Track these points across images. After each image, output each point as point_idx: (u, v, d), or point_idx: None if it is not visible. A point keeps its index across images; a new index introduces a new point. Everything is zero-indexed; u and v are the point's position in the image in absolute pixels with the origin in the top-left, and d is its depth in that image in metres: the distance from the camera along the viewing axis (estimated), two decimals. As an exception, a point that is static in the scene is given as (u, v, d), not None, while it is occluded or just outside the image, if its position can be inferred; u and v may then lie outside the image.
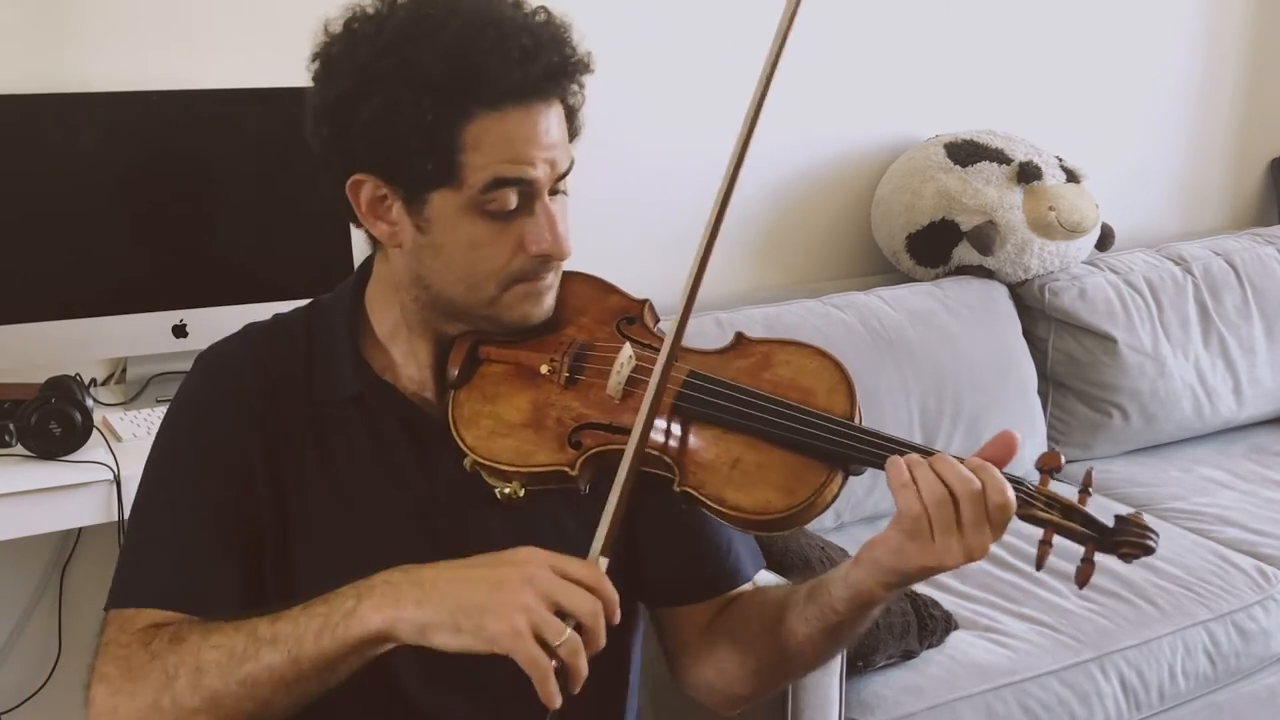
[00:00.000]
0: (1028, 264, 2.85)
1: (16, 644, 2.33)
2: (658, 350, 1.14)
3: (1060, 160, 2.93)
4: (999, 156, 2.85)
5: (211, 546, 1.17)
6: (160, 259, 2.18)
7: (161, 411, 1.67)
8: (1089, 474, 1.12)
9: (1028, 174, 2.82)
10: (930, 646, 2.08)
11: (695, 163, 2.27)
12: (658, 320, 1.25)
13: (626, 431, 1.10)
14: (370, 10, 1.14)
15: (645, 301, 1.26)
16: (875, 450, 1.10)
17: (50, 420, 1.89)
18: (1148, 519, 1.10)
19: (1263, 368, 3.09)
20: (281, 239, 2.23)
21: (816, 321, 2.56)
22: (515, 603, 0.99)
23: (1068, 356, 2.89)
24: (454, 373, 1.20)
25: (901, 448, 1.10)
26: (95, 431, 1.96)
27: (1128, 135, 3.38)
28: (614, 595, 1.02)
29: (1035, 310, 2.89)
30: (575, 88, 1.17)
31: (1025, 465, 1.16)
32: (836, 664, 1.89)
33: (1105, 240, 3.00)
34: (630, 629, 1.35)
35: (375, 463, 1.22)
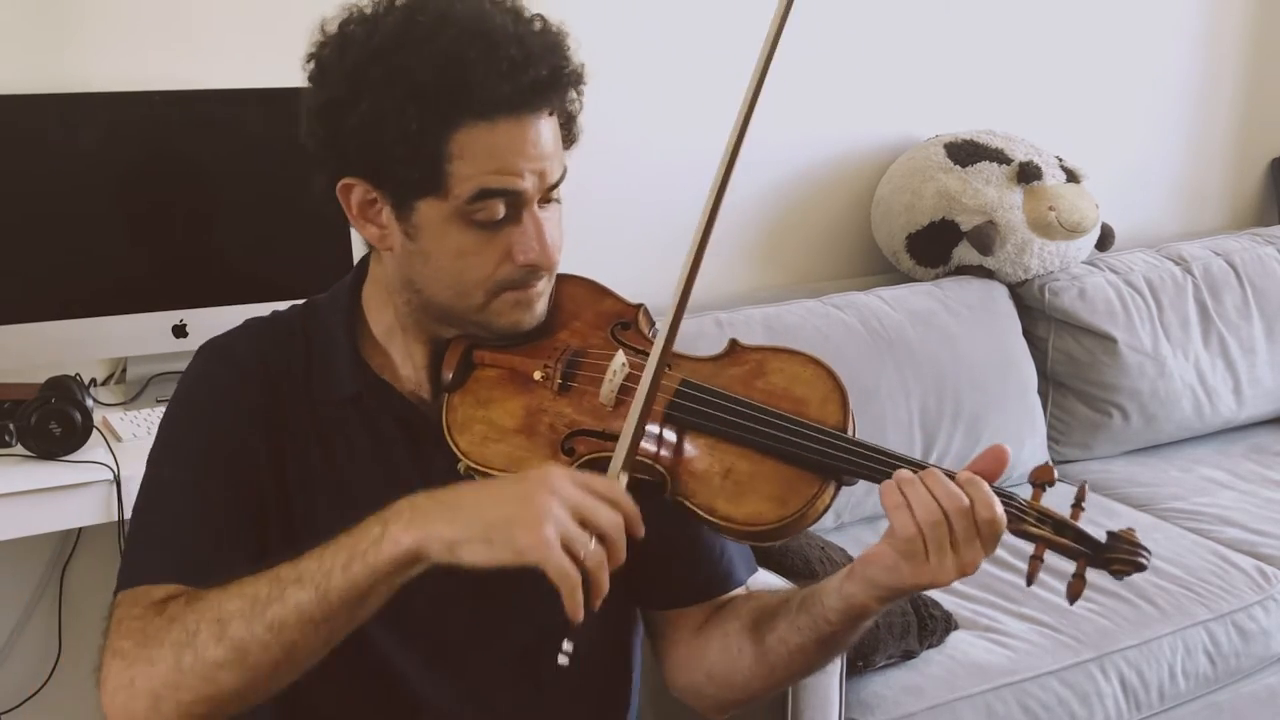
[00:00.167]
0: (1028, 264, 2.85)
1: (16, 644, 2.33)
2: None
3: (1060, 160, 2.93)
4: (999, 156, 2.85)
5: (220, 524, 1.17)
6: (160, 259, 2.19)
7: (162, 411, 1.67)
8: (1083, 488, 1.11)
9: (1028, 174, 2.82)
10: (930, 646, 2.08)
11: (692, 164, 2.27)
12: (653, 325, 1.25)
13: (618, 439, 1.10)
14: (366, 12, 1.14)
15: (640, 306, 1.25)
16: (867, 463, 1.10)
17: (50, 420, 1.89)
18: (1143, 523, 1.10)
19: (1263, 368, 3.09)
20: (281, 239, 2.23)
21: (816, 321, 2.56)
22: (544, 514, 0.99)
23: (1068, 356, 2.89)
24: (448, 376, 1.20)
25: (893, 460, 1.10)
26: (95, 431, 1.96)
27: (1128, 135, 3.38)
28: (635, 509, 1.04)
29: (1035, 310, 2.89)
30: (572, 94, 1.16)
31: (1024, 467, 1.16)
32: (836, 664, 1.89)
33: (1105, 240, 3.00)
34: (630, 629, 1.36)
35: (375, 462, 1.22)
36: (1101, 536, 1.08)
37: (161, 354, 2.18)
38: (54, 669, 2.32)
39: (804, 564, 2.05)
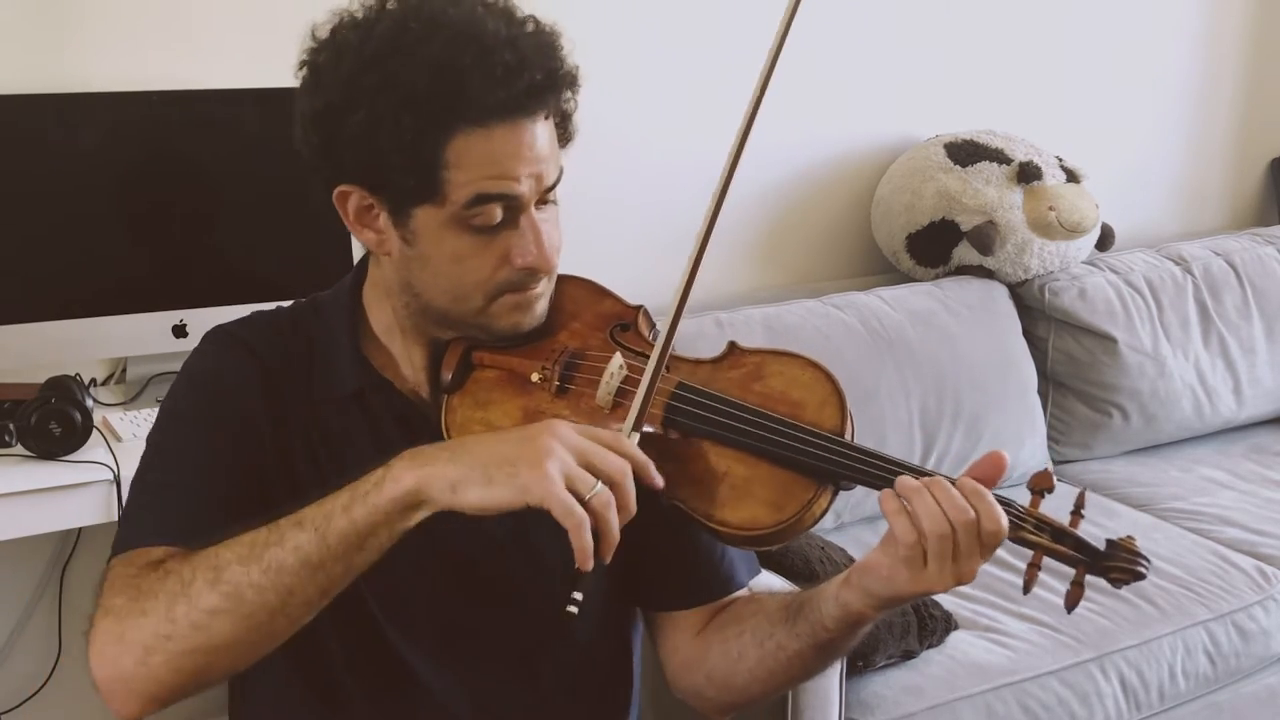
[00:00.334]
0: (1028, 264, 2.85)
1: (16, 644, 2.33)
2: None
3: (1060, 160, 2.93)
4: (999, 156, 2.85)
5: (221, 492, 1.16)
6: (160, 259, 2.19)
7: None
8: (1082, 495, 1.11)
9: (1028, 174, 2.82)
10: (930, 646, 2.08)
11: (692, 165, 2.27)
12: (653, 327, 1.24)
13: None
14: (358, 16, 1.13)
15: (640, 308, 1.25)
16: (864, 468, 1.10)
17: (50, 420, 1.89)
18: (1143, 523, 1.09)
19: (1263, 368, 3.09)
20: (281, 239, 2.23)
21: (816, 321, 2.56)
22: (546, 452, 0.99)
23: (1068, 356, 2.89)
24: (447, 377, 1.20)
25: (890, 465, 1.09)
26: (95, 431, 1.96)
27: (1128, 135, 3.38)
28: (645, 459, 1.04)
29: (1035, 310, 2.89)
30: (567, 95, 1.16)
31: (1025, 466, 1.16)
32: (836, 664, 1.89)
33: (1105, 240, 3.00)
34: (631, 628, 1.36)
35: (374, 459, 1.22)
36: (1100, 545, 1.08)
37: (161, 354, 2.18)
38: (54, 669, 2.32)
39: (804, 564, 2.05)
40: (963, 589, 2.27)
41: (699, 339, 2.24)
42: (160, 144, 2.15)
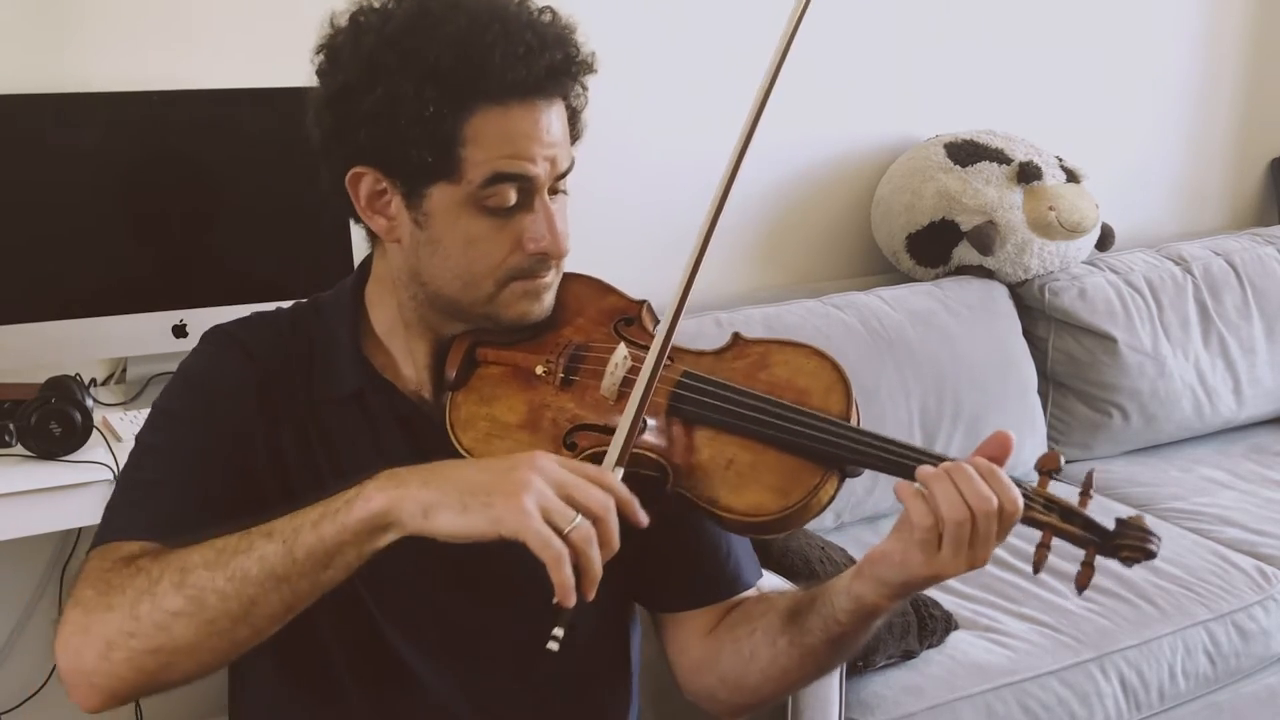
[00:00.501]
0: (1028, 264, 2.85)
1: (16, 644, 2.33)
2: None
3: (1060, 160, 2.93)
4: (999, 156, 2.85)
5: (205, 494, 1.16)
6: (160, 259, 2.18)
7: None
8: (1090, 476, 1.11)
9: (1028, 174, 2.82)
10: (930, 646, 2.08)
11: (695, 164, 2.27)
12: (656, 321, 1.24)
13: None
14: (376, 3, 1.15)
15: (643, 302, 1.25)
16: (871, 452, 1.09)
17: (50, 420, 1.89)
18: (1149, 521, 1.09)
19: (1263, 368, 3.09)
20: (281, 239, 2.23)
21: (816, 321, 2.56)
22: (524, 483, 0.97)
23: (1068, 356, 2.89)
24: (451, 375, 1.20)
25: (898, 449, 1.09)
26: (95, 431, 1.96)
27: (1128, 135, 3.38)
28: (629, 495, 1.02)
29: (1035, 310, 2.89)
30: (578, 88, 1.17)
31: (1024, 467, 1.15)
32: (845, 661, 1.89)
33: (1105, 240, 3.00)
34: (629, 629, 1.36)
35: (375, 460, 1.22)
36: (1110, 524, 1.07)
37: (161, 354, 2.18)
38: (54, 669, 2.31)
39: (804, 564, 2.05)
40: (963, 589, 2.29)
41: (699, 339, 2.22)
42: (160, 144, 2.15)
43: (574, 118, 1.19)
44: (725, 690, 1.28)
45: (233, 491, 1.17)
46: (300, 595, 1.03)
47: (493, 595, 1.23)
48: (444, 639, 1.23)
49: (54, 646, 1.06)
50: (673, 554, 1.28)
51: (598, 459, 1.10)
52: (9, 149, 2.05)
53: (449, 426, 1.17)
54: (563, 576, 0.96)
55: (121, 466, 1.22)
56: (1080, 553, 1.08)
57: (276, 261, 2.23)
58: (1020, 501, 1.05)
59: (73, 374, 2.07)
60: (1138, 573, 2.34)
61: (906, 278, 2.91)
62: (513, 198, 1.13)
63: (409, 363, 1.24)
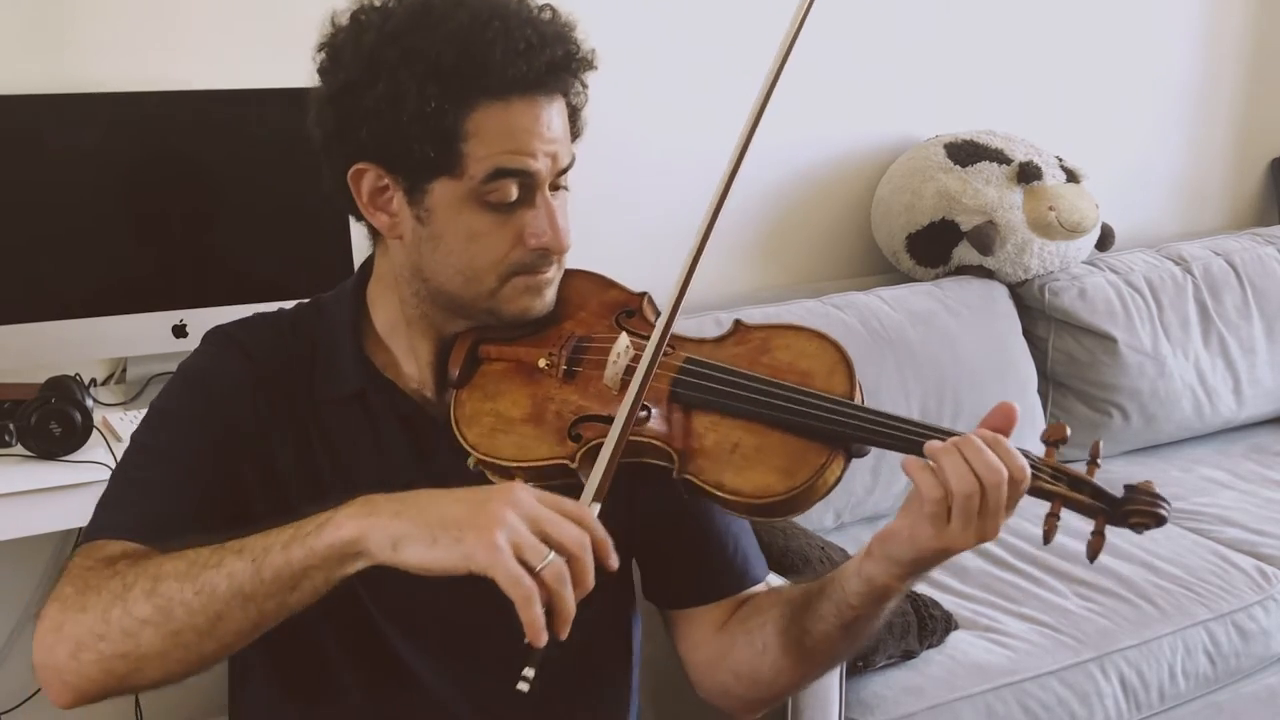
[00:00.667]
0: (1028, 264, 2.85)
1: (16, 644, 2.33)
2: None
3: (1060, 160, 2.93)
4: (999, 156, 2.85)
5: (193, 497, 1.16)
6: (160, 259, 2.18)
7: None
8: (1096, 445, 1.10)
9: (1028, 174, 2.82)
10: (930, 646, 2.08)
11: (695, 163, 2.27)
12: (657, 313, 1.25)
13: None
14: (377, 2, 1.15)
15: (644, 295, 1.26)
16: (876, 429, 1.09)
17: (50, 420, 1.89)
18: (1158, 487, 1.08)
19: (1263, 368, 3.09)
20: (281, 239, 2.23)
21: (816, 322, 2.56)
22: (497, 519, 0.95)
23: (1068, 356, 2.89)
24: (455, 372, 1.20)
25: (902, 425, 1.09)
26: (95, 431, 1.96)
27: (1128, 135, 3.38)
28: (605, 535, 0.99)
29: (1035, 310, 2.89)
30: (578, 85, 1.18)
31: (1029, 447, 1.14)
32: (858, 649, 1.89)
33: (1105, 240, 3.00)
34: (630, 628, 1.36)
35: (377, 460, 1.22)
36: (1118, 491, 1.07)
37: (161, 354, 2.18)
38: (54, 669, 2.32)
39: (804, 564, 2.05)
40: (963, 589, 2.29)
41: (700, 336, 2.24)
42: (160, 144, 2.15)
43: (574, 115, 1.19)
44: (740, 685, 1.28)
45: (224, 494, 1.17)
46: (267, 615, 1.02)
47: (492, 593, 1.23)
48: (443, 637, 1.23)
49: (32, 641, 1.07)
50: (680, 550, 1.29)
51: (599, 451, 1.10)
52: (9, 149, 2.05)
53: (453, 423, 1.17)
54: (532, 615, 0.94)
55: (117, 463, 1.22)
56: (1090, 523, 1.06)
57: (277, 261, 2.23)
58: (1028, 470, 1.04)
59: (73, 374, 2.08)
60: (1138, 572, 2.34)
61: (906, 278, 2.91)
62: (514, 193, 1.13)
63: (411, 361, 1.24)
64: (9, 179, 2.04)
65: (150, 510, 1.15)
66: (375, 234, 1.23)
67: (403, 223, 1.17)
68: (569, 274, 1.25)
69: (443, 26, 1.10)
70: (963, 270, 2.86)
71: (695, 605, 1.31)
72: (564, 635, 0.96)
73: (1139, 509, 1.05)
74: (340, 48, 1.15)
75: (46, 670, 1.06)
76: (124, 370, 2.26)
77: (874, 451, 1.12)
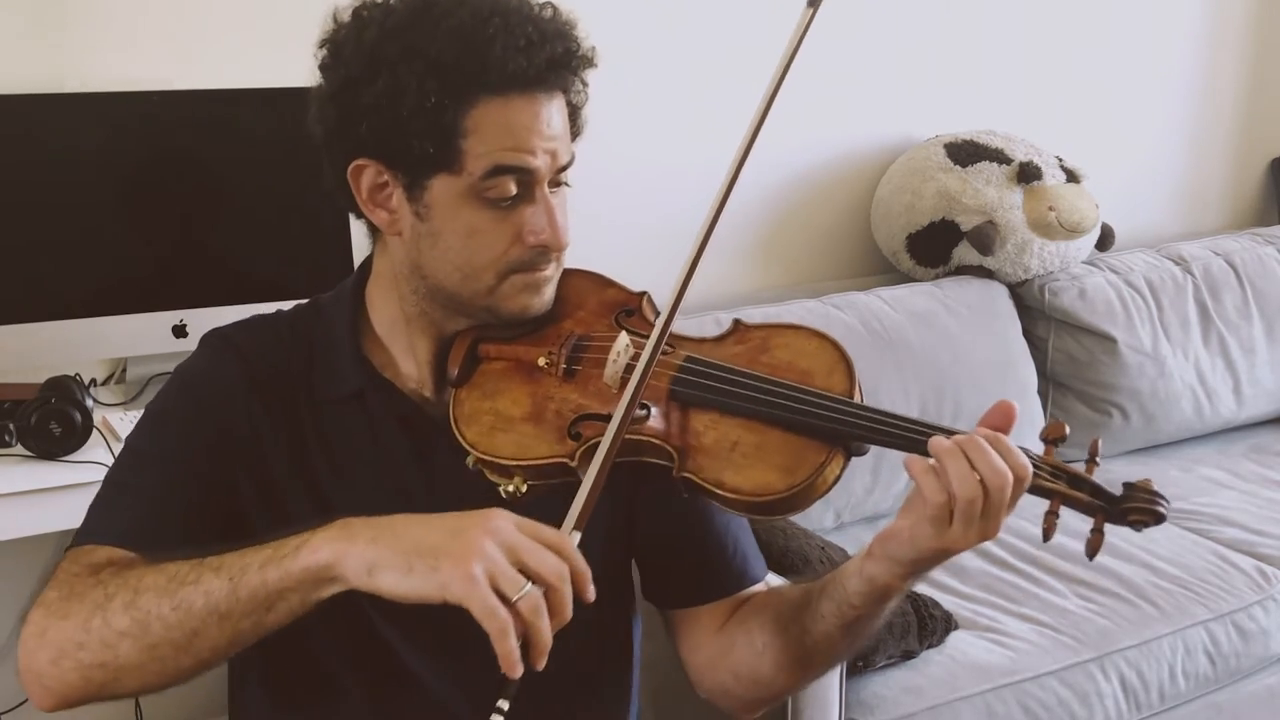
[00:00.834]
0: (1028, 264, 2.85)
1: (16, 644, 2.33)
2: None
3: (1060, 160, 2.93)
4: (999, 156, 2.85)
5: (187, 504, 1.16)
6: (160, 259, 2.18)
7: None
8: (1095, 443, 1.10)
9: (1028, 174, 2.82)
10: (930, 646, 2.08)
11: (696, 163, 2.27)
12: (657, 313, 1.25)
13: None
14: (378, 0, 1.15)
15: (644, 294, 1.26)
16: (874, 427, 1.09)
17: (50, 420, 1.89)
18: (1157, 485, 1.08)
19: (1263, 368, 3.09)
20: (281, 239, 2.23)
21: (816, 321, 2.55)
22: (474, 548, 0.95)
23: (1068, 356, 2.89)
24: (454, 372, 1.20)
25: (902, 423, 1.09)
26: (95, 431, 1.96)
27: (1128, 135, 3.38)
28: (584, 566, 0.99)
29: (1035, 310, 2.89)
30: (578, 83, 1.18)
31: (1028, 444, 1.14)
32: (858, 649, 1.89)
33: (1105, 240, 3.00)
34: (629, 628, 1.36)
35: (375, 460, 1.22)
36: (1117, 489, 1.07)
37: (161, 354, 2.18)
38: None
39: (804, 564, 2.05)
40: (963, 589, 2.29)
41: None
42: (160, 144, 2.15)
43: (574, 114, 1.19)
44: (740, 685, 1.28)
45: (217, 499, 1.18)
46: (242, 633, 1.02)
47: None
48: (443, 638, 1.23)
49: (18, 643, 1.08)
50: (679, 550, 1.29)
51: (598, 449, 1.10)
52: (9, 149, 2.05)
53: (453, 422, 1.17)
54: (506, 648, 0.93)
55: (110, 466, 1.23)
56: (1089, 520, 1.07)
57: (277, 261, 2.23)
58: (1030, 469, 1.04)
59: (73, 374, 2.08)
60: (1138, 572, 2.34)
61: (906, 278, 2.91)
62: (513, 189, 1.13)
63: (410, 360, 1.24)
64: (9, 179, 2.04)
65: (139, 516, 1.15)
66: (374, 231, 1.23)
67: (402, 219, 1.17)
68: (568, 273, 1.25)
69: (444, 23, 1.10)
70: (963, 270, 2.86)
71: (694, 605, 1.31)
72: (540, 667, 0.96)
73: (1138, 506, 1.06)
74: (341, 44, 1.15)
75: (29, 674, 1.07)
76: (124, 370, 2.26)
77: (874, 451, 1.12)
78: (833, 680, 1.90)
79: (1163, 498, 1.06)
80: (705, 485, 1.10)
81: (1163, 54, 3.40)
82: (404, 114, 1.10)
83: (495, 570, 0.95)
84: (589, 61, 1.18)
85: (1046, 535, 1.06)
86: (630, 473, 1.13)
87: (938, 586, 2.26)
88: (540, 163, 1.13)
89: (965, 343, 2.69)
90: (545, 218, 1.15)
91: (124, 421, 2.04)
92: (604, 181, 2.36)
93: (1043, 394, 2.85)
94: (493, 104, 1.11)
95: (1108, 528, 1.07)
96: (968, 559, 2.34)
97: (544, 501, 1.12)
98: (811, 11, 1.18)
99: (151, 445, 1.21)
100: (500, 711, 0.95)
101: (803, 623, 1.20)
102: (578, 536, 1.02)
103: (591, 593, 0.99)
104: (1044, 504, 1.07)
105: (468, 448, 1.15)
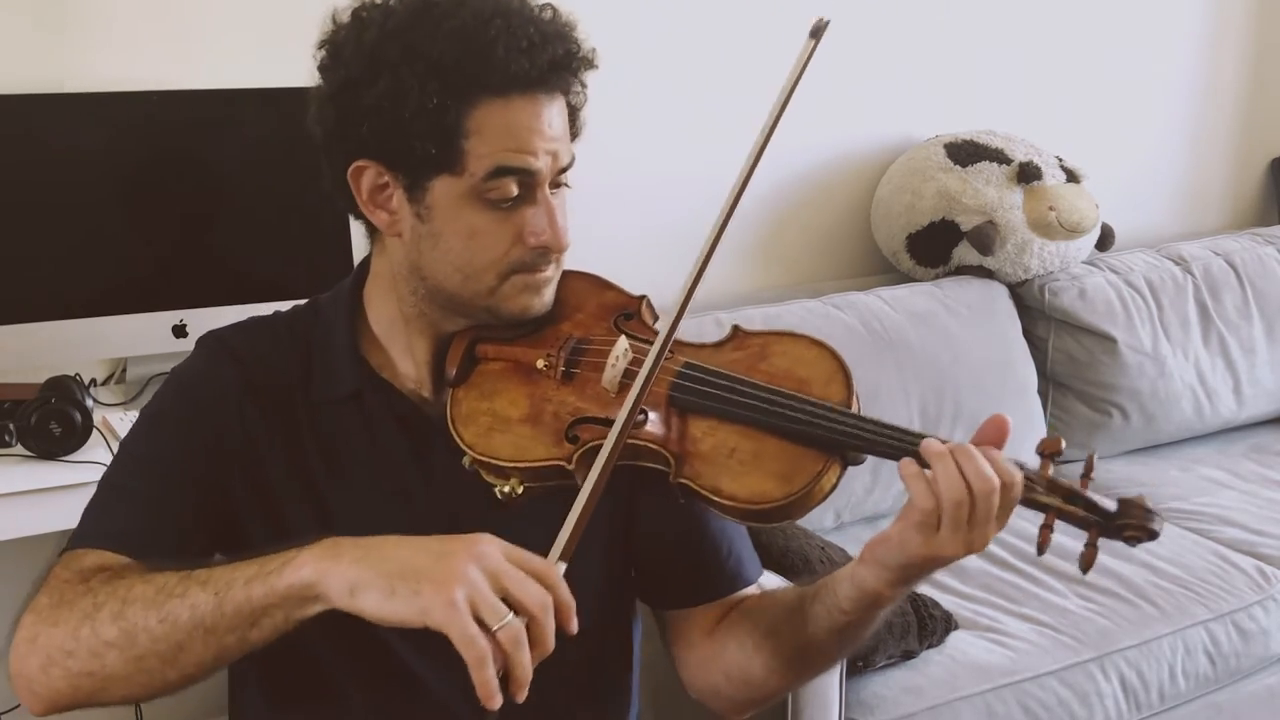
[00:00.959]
0: (1028, 264, 2.85)
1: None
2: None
3: (1060, 160, 2.93)
4: (999, 156, 2.85)
5: (181, 508, 1.16)
6: (160, 259, 2.18)
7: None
8: (1090, 459, 1.11)
9: (1028, 174, 2.82)
10: (930, 646, 2.08)
11: (696, 166, 2.28)
12: (656, 317, 1.25)
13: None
14: (377, 0, 1.15)
15: (643, 298, 1.26)
16: (872, 437, 1.09)
17: (50, 420, 1.89)
18: (1152, 501, 1.08)
19: (1263, 368, 3.09)
20: (281, 239, 2.23)
21: (817, 321, 2.56)
22: (457, 574, 0.94)
23: (1068, 356, 2.89)
24: (452, 371, 1.20)
25: (898, 434, 1.09)
26: (95, 431, 1.96)
27: (1128, 135, 3.38)
28: (569, 598, 0.98)
29: (1035, 310, 2.89)
30: (578, 85, 1.18)
31: (1026, 455, 1.15)
32: (849, 654, 1.89)
33: (1105, 240, 3.00)
34: (629, 628, 1.36)
35: (372, 462, 1.22)
36: (1112, 505, 1.07)
37: (161, 354, 2.18)
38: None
39: (804, 564, 2.05)
40: (963, 589, 2.29)
41: (700, 338, 2.24)
42: (160, 144, 2.15)
43: (574, 115, 1.19)
44: (730, 686, 1.27)
45: (212, 502, 1.18)
46: (227, 648, 1.02)
47: None
48: (443, 638, 1.23)
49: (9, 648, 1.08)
50: (674, 551, 1.29)
51: (600, 452, 1.10)
52: (9, 149, 2.05)
53: (450, 422, 1.17)
54: (484, 678, 0.93)
55: (106, 469, 1.23)
56: (1083, 534, 1.07)
57: (277, 261, 2.23)
58: (1019, 479, 1.05)
59: (73, 374, 2.08)
60: (1138, 573, 2.34)
61: (906, 278, 2.91)
62: (514, 190, 1.13)
63: (408, 361, 1.24)
64: (9, 179, 2.04)
65: (133, 520, 1.15)
66: (373, 232, 1.23)
67: (402, 220, 1.17)
68: (567, 275, 1.25)
69: (445, 24, 1.10)
70: (963, 270, 2.86)
71: (688, 606, 1.31)
72: (520, 699, 0.95)
73: (1132, 523, 1.06)
74: (341, 45, 1.15)
75: (19, 679, 1.08)
76: (124, 370, 2.26)
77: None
78: (833, 680, 1.90)
79: (1157, 514, 1.07)
80: (702, 491, 1.10)
81: (1163, 54, 3.40)
82: (405, 115, 1.10)
83: (477, 598, 0.94)
84: (589, 63, 1.18)
85: (1041, 549, 1.07)
86: (628, 476, 1.13)
87: (938, 586, 2.26)
88: (542, 164, 1.14)
89: (965, 343, 2.69)
90: (546, 219, 1.15)
91: (124, 421, 2.04)
92: (603, 184, 2.36)
93: (1043, 394, 2.85)
94: (494, 105, 1.11)
95: (1101, 542, 1.07)
96: (967, 559, 2.33)
97: (539, 504, 1.12)
98: (814, 43, 1.18)
99: (146, 449, 1.21)
100: None
101: (794, 625, 1.20)
102: (563, 567, 1.01)
103: (574, 626, 0.98)
104: (1040, 517, 1.07)
105: (464, 448, 1.15)
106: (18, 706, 2.30)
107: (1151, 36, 3.36)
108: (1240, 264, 3.13)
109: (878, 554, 1.09)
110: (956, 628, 2.15)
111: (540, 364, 1.18)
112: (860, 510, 2.53)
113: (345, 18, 1.16)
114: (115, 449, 1.90)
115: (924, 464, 1.05)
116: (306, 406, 1.22)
